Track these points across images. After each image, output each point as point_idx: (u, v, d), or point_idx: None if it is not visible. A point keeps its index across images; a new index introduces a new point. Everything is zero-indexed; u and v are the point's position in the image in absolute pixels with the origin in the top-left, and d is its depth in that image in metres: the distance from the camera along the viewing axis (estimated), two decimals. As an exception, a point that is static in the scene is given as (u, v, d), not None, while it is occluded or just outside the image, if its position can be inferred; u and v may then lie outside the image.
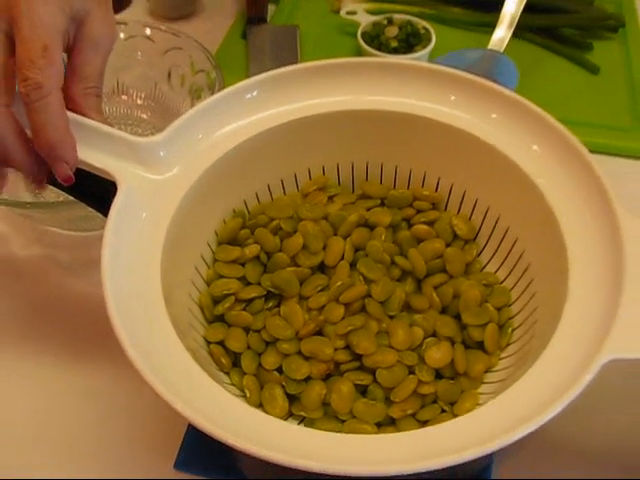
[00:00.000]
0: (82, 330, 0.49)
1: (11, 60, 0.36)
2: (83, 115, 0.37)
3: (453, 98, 0.37)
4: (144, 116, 0.63)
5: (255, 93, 0.40)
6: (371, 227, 0.43)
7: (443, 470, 0.36)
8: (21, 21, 0.35)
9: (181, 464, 0.43)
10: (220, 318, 0.39)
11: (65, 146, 0.35)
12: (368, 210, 0.44)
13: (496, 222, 0.42)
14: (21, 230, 0.56)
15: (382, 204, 0.45)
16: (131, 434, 0.44)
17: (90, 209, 0.41)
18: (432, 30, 0.71)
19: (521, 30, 0.74)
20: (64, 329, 0.50)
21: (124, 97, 0.63)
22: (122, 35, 0.60)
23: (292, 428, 0.31)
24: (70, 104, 0.37)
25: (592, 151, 0.66)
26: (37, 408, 0.46)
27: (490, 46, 0.58)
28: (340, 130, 0.43)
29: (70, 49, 0.38)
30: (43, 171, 0.37)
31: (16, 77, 0.35)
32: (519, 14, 0.60)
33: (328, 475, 0.27)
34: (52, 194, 0.51)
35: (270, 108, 0.41)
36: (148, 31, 0.60)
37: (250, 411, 0.31)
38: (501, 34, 0.59)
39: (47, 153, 0.35)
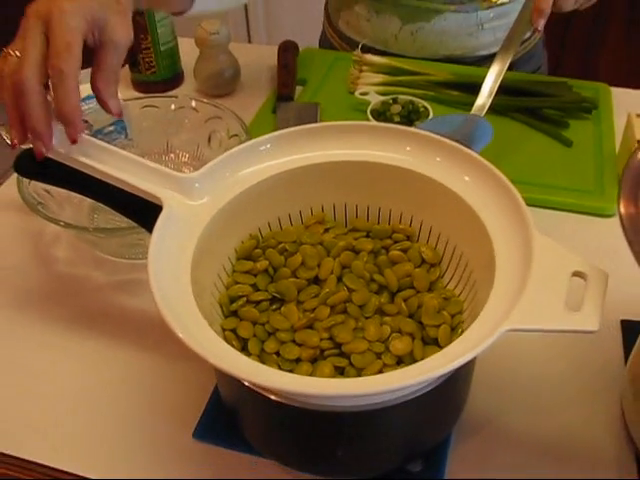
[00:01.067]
0: (126, 331, 0.62)
1: (45, 53, 0.50)
2: (102, 98, 0.51)
3: (408, 149, 0.50)
4: (187, 172, 0.77)
5: (268, 146, 0.53)
6: (357, 252, 0.55)
7: (403, 434, 0.47)
8: (53, 24, 0.49)
9: (199, 434, 0.54)
10: (234, 313, 0.51)
11: (75, 114, 0.49)
12: (356, 239, 0.56)
13: (454, 250, 0.53)
14: (83, 257, 0.69)
15: (367, 236, 0.57)
16: (156, 406, 0.56)
17: (137, 236, 0.54)
18: (430, 108, 0.84)
19: (508, 110, 0.88)
20: (114, 330, 0.62)
21: (172, 156, 0.78)
22: (173, 106, 0.75)
23: (280, 372, 0.42)
24: (94, 90, 0.51)
25: (561, 209, 0.77)
26: (86, 382, 0.59)
27: (472, 111, 0.72)
28: (335, 177, 0.55)
29: (95, 47, 0.52)
30: (49, 135, 0.50)
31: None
32: (497, 86, 0.73)
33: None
34: (108, 223, 0.64)
35: (279, 157, 0.54)
36: (194, 103, 0.75)
37: (260, 365, 0.42)
38: (481, 101, 0.73)
39: (62, 118, 0.49)
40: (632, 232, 0.42)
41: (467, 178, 0.49)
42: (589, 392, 0.57)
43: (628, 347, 0.59)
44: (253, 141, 0.53)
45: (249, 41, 2.27)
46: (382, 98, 0.87)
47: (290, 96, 0.91)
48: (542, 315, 0.40)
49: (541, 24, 0.72)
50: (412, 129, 0.50)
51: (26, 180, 0.63)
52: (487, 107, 0.73)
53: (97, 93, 0.52)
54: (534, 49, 1.11)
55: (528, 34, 1.07)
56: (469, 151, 0.48)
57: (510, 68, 1.04)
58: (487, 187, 0.48)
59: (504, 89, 0.88)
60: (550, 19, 0.76)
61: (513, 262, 0.45)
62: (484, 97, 0.74)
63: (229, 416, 0.53)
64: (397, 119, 0.83)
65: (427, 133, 0.49)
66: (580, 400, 0.57)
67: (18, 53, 0.50)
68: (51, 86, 0.49)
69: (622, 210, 0.43)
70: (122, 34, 0.52)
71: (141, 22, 0.89)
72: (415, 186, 0.52)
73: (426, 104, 0.85)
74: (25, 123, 0.50)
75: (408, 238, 0.56)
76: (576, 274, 0.43)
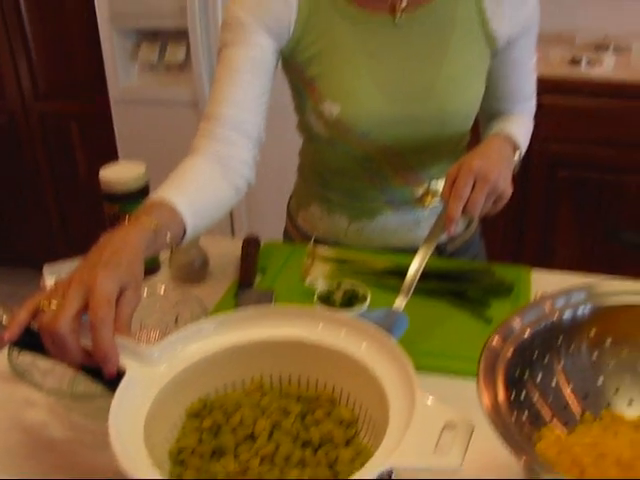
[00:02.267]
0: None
1: (80, 309, 0.63)
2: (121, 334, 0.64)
3: (321, 325, 0.64)
4: (156, 347, 0.89)
5: (212, 327, 0.67)
6: (288, 413, 0.66)
7: None
8: (96, 290, 0.63)
9: None
10: (181, 462, 0.61)
11: (113, 353, 0.62)
12: (287, 403, 0.67)
13: (366, 411, 0.65)
14: (60, 420, 0.79)
15: (298, 400, 0.68)
16: None
17: (109, 400, 0.65)
18: (369, 294, 0.98)
19: (435, 293, 1.03)
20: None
21: (144, 333, 0.90)
22: (145, 293, 0.89)
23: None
24: (116, 331, 0.63)
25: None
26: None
27: (394, 307, 0.86)
28: (268, 352, 0.68)
29: (117, 302, 0.66)
30: (83, 362, 0.63)
31: (89, 315, 0.62)
32: (415, 282, 0.88)
33: None
34: (86, 389, 0.75)
35: (224, 335, 0.67)
36: (163, 291, 0.89)
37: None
38: (400, 301, 0.87)
39: (102, 358, 0.61)
40: (495, 418, 0.54)
41: (365, 344, 0.62)
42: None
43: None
44: (198, 323, 0.68)
45: (232, 231, 2.49)
46: (328, 286, 1.01)
47: (250, 283, 1.05)
48: (415, 456, 0.51)
49: (452, 229, 0.88)
50: (322, 312, 0.64)
51: (15, 353, 0.75)
52: (405, 304, 0.88)
53: (117, 331, 0.64)
54: (471, 240, 1.28)
55: (463, 227, 1.25)
56: (367, 324, 0.62)
57: (450, 256, 1.21)
58: (383, 353, 0.62)
59: (435, 274, 1.04)
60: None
61: (402, 414, 0.57)
62: (402, 296, 0.89)
63: None
64: (339, 303, 0.96)
65: (333, 314, 0.63)
66: None
67: (54, 306, 0.64)
68: (91, 331, 0.62)
69: (484, 402, 0.55)
70: (135, 303, 0.68)
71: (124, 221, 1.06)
72: (331, 358, 0.66)
73: (366, 290, 0.99)
74: (65, 357, 0.64)
75: (331, 402, 0.68)
76: (448, 424, 0.54)
